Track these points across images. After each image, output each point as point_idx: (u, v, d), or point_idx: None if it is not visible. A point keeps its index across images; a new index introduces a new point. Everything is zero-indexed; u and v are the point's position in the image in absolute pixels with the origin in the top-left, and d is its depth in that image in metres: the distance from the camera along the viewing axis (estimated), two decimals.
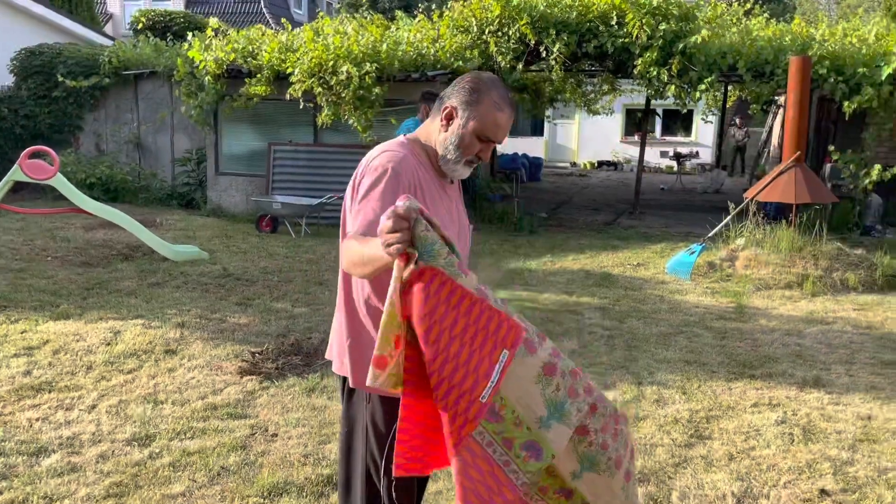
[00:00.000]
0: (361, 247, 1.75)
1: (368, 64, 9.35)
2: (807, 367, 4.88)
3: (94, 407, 4.02)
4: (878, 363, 4.99)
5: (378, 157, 1.99)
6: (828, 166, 10.48)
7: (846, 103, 9.30)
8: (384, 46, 9.79)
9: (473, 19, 10.37)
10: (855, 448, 3.67)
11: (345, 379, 2.19)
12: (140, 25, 18.69)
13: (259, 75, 10.07)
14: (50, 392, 4.20)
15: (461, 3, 10.74)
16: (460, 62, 10.04)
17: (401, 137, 2.10)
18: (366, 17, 11.30)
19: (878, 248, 8.13)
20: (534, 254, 8.61)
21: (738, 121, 18.62)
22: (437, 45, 10.31)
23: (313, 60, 9.54)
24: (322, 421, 3.90)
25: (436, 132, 2.03)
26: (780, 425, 3.92)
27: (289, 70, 9.79)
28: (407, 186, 1.94)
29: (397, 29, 11.18)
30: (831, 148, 9.64)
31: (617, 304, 6.44)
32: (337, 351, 2.20)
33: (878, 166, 9.12)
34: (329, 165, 10.53)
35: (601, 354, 5.06)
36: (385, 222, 1.57)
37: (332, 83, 9.48)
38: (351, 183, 2.07)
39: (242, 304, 6.15)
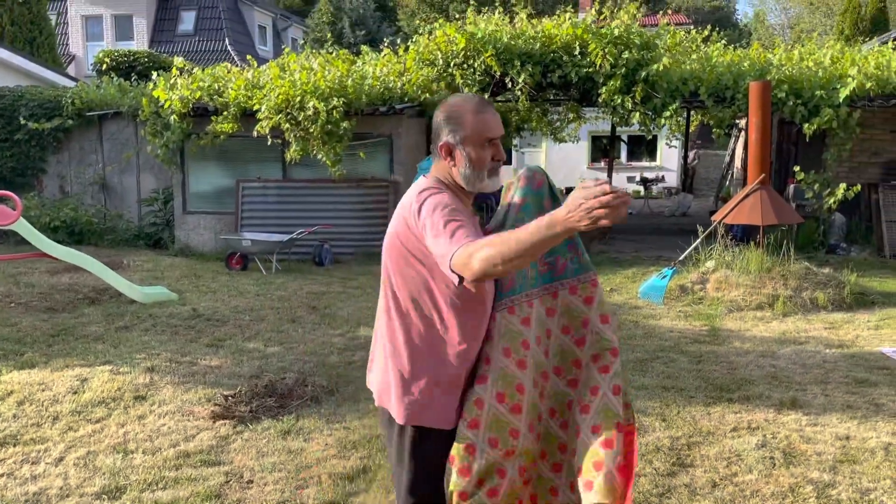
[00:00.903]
0: (515, 237, 1.72)
1: (335, 98, 9.37)
2: (783, 388, 4.90)
3: (61, 459, 3.87)
4: (853, 382, 5.04)
5: (429, 196, 1.99)
6: (791, 187, 10.68)
7: (806, 125, 9.53)
8: (350, 81, 9.83)
9: (439, 52, 10.48)
10: (836, 470, 3.67)
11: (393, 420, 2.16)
12: (103, 66, 18.57)
13: (225, 113, 10.03)
14: (15, 446, 4.04)
15: (426, 36, 10.85)
16: (427, 94, 10.11)
17: (423, 178, 2.12)
18: (331, 53, 11.35)
19: (844, 266, 8.27)
20: None
21: (692, 144, 19.14)
22: (404, 78, 10.39)
23: (280, 97, 9.53)
24: (298, 464, 3.80)
25: (447, 169, 2.09)
26: (760, 449, 3.91)
27: (255, 107, 9.77)
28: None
29: (363, 63, 11.25)
30: (796, 169, 9.85)
31: None
32: (393, 389, 2.13)
33: (842, 185, 9.32)
34: (299, 201, 10.49)
35: None
36: (601, 188, 1.61)
37: (300, 119, 9.48)
38: (398, 229, 2.08)
39: (213, 345, 6.03)
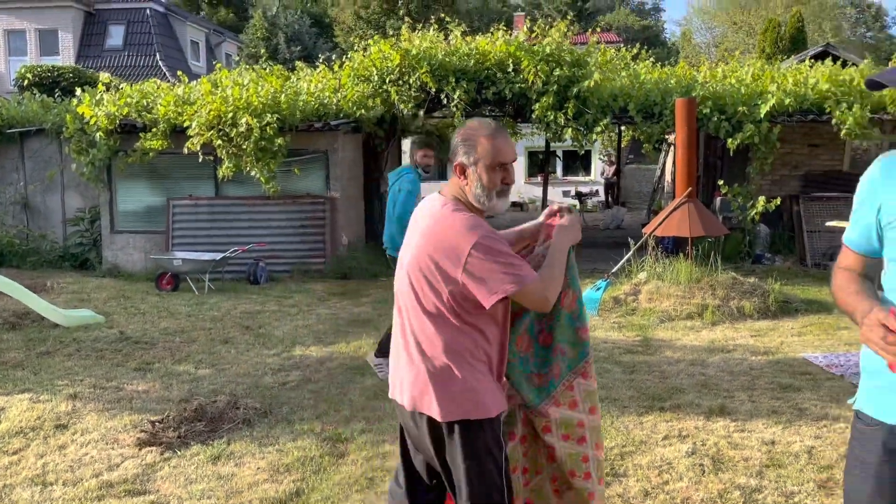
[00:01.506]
0: (550, 268, 2.27)
1: (269, 115, 9.26)
2: (712, 395, 5.03)
3: None
4: (777, 387, 5.20)
5: (473, 227, 2.17)
6: (718, 200, 11.05)
7: (730, 140, 9.89)
8: (284, 97, 9.73)
9: (374, 69, 10.48)
10: (762, 474, 3.78)
11: (438, 423, 2.24)
12: (26, 82, 17.90)
13: (154, 129, 9.79)
14: None
15: (361, 53, 10.84)
16: (363, 110, 10.08)
17: (443, 198, 2.29)
18: (265, 69, 11.22)
19: (768, 276, 8.58)
20: None
21: (606, 159, 19.71)
22: (339, 94, 10.34)
23: (212, 113, 9.35)
24: (229, 490, 3.69)
25: (460, 187, 2.27)
26: (690, 457, 3.99)
27: (186, 123, 9.56)
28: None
29: (298, 79, 11.15)
30: (720, 182, 10.19)
31: None
32: (432, 389, 2.22)
33: (762, 198, 9.68)
34: (232, 218, 10.28)
35: None
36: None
37: (232, 135, 9.32)
38: (431, 255, 2.21)
39: (141, 369, 5.83)
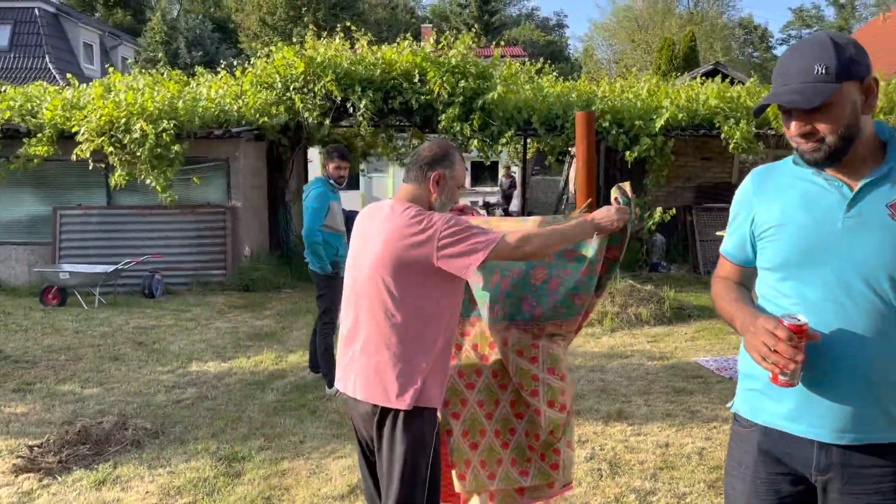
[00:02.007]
0: (559, 231, 2.45)
1: (165, 121, 8.89)
2: (610, 400, 5.16)
3: None
4: (672, 391, 5.39)
5: (430, 216, 2.36)
6: None
7: (628, 153, 10.24)
8: (182, 102, 9.37)
9: (277, 76, 10.26)
10: (656, 477, 3.89)
11: (386, 410, 2.36)
12: None
13: (40, 135, 9.22)
14: None
15: (264, 59, 10.60)
16: (266, 118, 9.85)
17: (404, 204, 2.42)
18: (161, 73, 10.79)
19: (664, 283, 8.92)
20: None
21: (504, 171, 20.18)
22: (241, 101, 10.06)
23: (103, 118, 8.90)
24: None
25: (426, 196, 2.47)
26: (589, 461, 4.07)
27: (75, 128, 9.06)
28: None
29: (198, 85, 10.78)
30: None
31: None
32: (388, 380, 2.35)
33: (659, 209, 10.06)
34: (126, 229, 9.81)
35: None
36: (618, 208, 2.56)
37: (126, 142, 8.90)
38: (412, 236, 2.34)
39: (21, 390, 5.44)
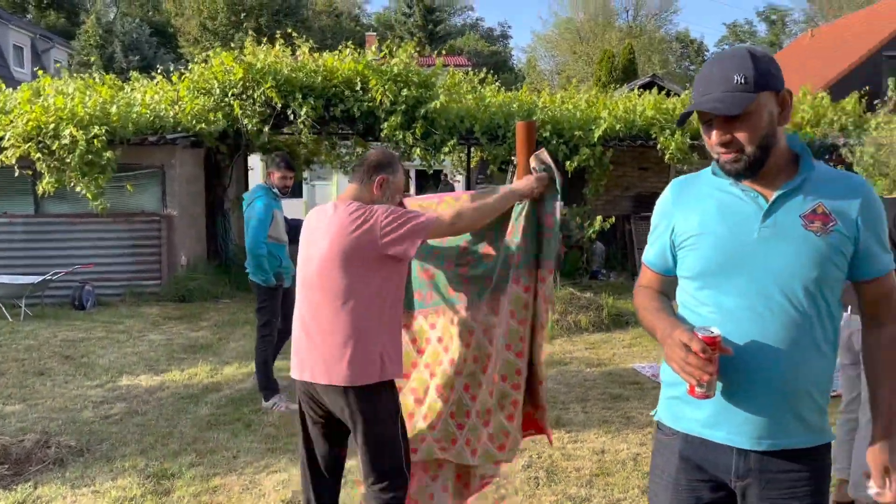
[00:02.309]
0: (488, 203, 2.67)
1: (97, 127, 8.61)
2: (549, 407, 5.16)
3: None
4: (608, 397, 5.46)
5: (370, 208, 2.60)
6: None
7: (568, 163, 10.39)
8: (115, 108, 9.10)
9: (216, 81, 10.06)
10: (592, 483, 3.92)
11: (348, 389, 2.57)
12: None
13: None
14: None
15: (201, 64, 10.38)
16: (203, 125, 9.64)
17: (348, 203, 2.65)
18: (94, 78, 10.45)
19: (603, 291, 9.05)
20: None
21: (442, 179, 20.42)
22: (177, 107, 9.83)
23: (30, 123, 8.57)
24: None
25: (368, 196, 2.70)
26: (526, 470, 4.08)
27: (0, 134, 8.70)
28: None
29: (132, 90, 10.49)
30: (560, 202, 10.64)
31: None
32: (349, 361, 2.56)
33: (599, 217, 10.24)
34: (55, 238, 9.46)
35: None
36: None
37: (54, 148, 8.58)
38: (357, 227, 2.57)
39: None
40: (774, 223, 1.70)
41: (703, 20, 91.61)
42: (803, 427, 1.71)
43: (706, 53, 54.14)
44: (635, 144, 11.12)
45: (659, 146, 10.67)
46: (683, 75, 46.30)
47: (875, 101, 12.15)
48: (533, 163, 2.75)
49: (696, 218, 1.79)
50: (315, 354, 2.61)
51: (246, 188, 14.16)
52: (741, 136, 1.66)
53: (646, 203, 12.39)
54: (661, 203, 1.93)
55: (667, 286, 1.95)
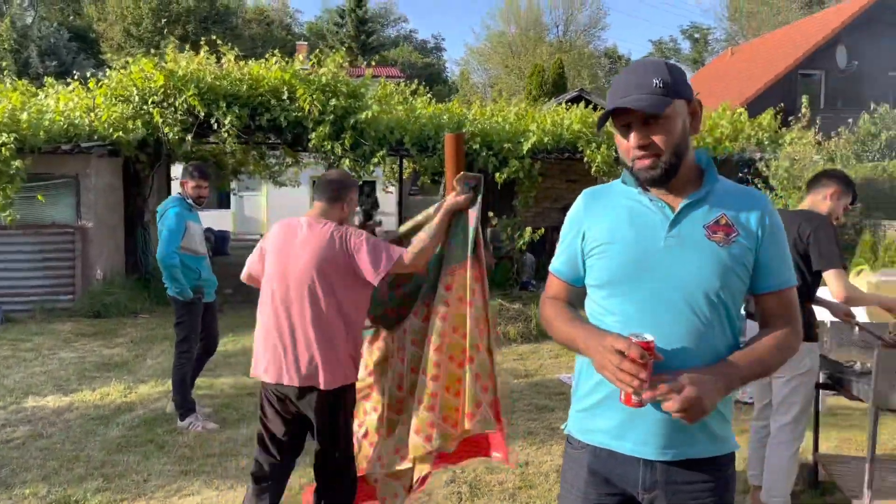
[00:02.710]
0: (432, 236, 2.91)
1: (5, 134, 8.19)
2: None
3: None
4: (534, 408, 5.46)
5: (347, 231, 2.96)
6: (489, 231, 11.60)
7: (497, 175, 10.45)
8: (26, 115, 8.67)
9: (135, 88, 9.72)
10: (515, 496, 3.89)
11: (323, 391, 2.92)
12: None
13: None
14: None
15: (120, 71, 10.02)
16: (121, 133, 9.29)
17: (322, 221, 2.99)
18: (6, 83, 9.95)
19: (533, 302, 9.11)
20: None
21: (366, 191, 20.44)
22: (94, 114, 9.44)
23: None
24: None
25: (338, 213, 3.06)
26: (449, 485, 4.02)
27: None
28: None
29: (46, 96, 10.04)
30: (490, 214, 10.73)
31: None
32: (324, 366, 2.90)
33: (528, 228, 10.33)
34: None
35: None
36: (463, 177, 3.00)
37: None
38: (335, 248, 2.92)
39: None
40: (679, 232, 1.70)
41: (630, 37, 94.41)
42: (707, 436, 1.71)
43: None
44: (563, 157, 11.30)
45: (586, 159, 10.86)
46: None
47: (790, 118, 12.71)
48: (458, 186, 2.92)
49: (605, 226, 1.79)
50: (289, 359, 2.91)
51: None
52: (658, 139, 1.66)
53: None
54: (571, 212, 1.92)
55: (574, 296, 1.93)
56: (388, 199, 22.72)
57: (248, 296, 10.93)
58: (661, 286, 1.69)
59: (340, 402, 2.98)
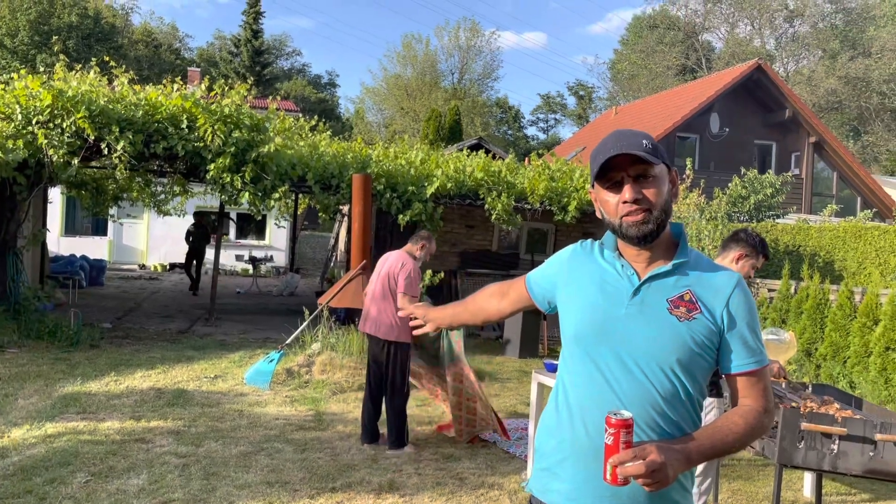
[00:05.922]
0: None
1: None
2: (382, 471, 5.04)
3: None
4: (441, 457, 5.42)
5: (410, 265, 5.45)
6: None
7: (400, 216, 10.47)
8: None
9: (18, 106, 9.06)
10: None
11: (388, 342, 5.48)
12: None
13: None
14: None
15: (2, 87, 9.33)
16: (0, 153, 8.60)
17: (405, 253, 5.57)
18: None
19: None
20: (94, 373, 7.53)
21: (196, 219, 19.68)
22: None
23: None
24: None
25: (416, 250, 5.59)
26: None
27: None
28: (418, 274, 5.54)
29: None
30: None
31: (193, 424, 5.91)
32: (388, 326, 5.43)
33: (429, 272, 10.36)
34: None
35: (175, 489, 4.49)
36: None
37: None
38: (389, 270, 5.50)
39: None
40: (641, 301, 1.76)
41: (520, 89, 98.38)
42: (659, 499, 1.72)
43: (523, 120, 57.94)
44: (464, 203, 11.49)
45: (486, 206, 11.10)
46: (503, 139, 49.05)
47: None
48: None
49: (579, 282, 1.87)
50: (374, 319, 5.47)
51: (44, 224, 12.80)
52: (650, 193, 1.72)
53: (471, 260, 12.77)
54: (561, 253, 2.02)
55: (516, 302, 2.14)
56: (279, 234, 22.23)
57: (128, 331, 10.29)
58: (619, 352, 1.74)
59: (395, 353, 5.46)
